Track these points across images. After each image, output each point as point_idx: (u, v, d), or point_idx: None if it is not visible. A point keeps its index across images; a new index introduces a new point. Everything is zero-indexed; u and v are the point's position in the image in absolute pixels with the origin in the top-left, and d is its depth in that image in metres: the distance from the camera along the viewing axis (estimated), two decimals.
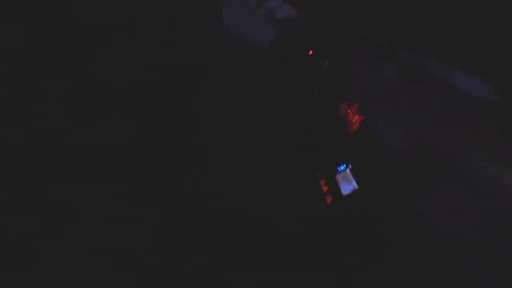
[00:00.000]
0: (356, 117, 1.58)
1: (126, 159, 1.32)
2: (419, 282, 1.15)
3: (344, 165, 1.45)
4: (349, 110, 1.63)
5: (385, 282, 1.19)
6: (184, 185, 1.31)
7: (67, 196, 1.21)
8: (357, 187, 1.31)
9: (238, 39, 2.00)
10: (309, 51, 1.47)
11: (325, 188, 1.39)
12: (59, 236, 1.14)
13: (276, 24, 1.68)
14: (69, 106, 1.37)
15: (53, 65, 1.40)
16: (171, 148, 1.38)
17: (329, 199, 1.34)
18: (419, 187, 1.31)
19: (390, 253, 1.20)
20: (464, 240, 1.19)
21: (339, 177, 1.42)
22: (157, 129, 1.43)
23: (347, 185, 1.35)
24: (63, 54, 1.42)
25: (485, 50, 1.46)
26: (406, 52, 1.63)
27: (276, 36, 1.62)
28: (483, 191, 1.29)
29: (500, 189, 1.29)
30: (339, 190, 1.35)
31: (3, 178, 1.19)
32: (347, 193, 1.32)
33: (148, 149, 1.37)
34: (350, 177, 1.37)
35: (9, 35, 1.35)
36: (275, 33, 1.63)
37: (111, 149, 1.32)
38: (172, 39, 1.55)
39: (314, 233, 1.30)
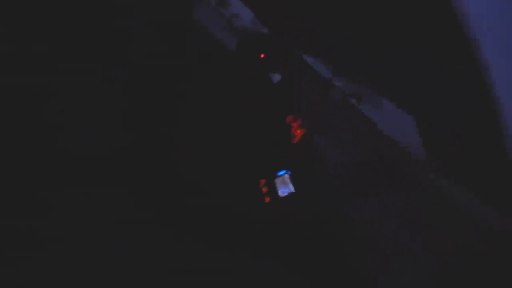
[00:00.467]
0: (299, 130, 1.74)
1: (126, 159, 1.30)
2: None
3: (284, 171, 1.57)
4: (293, 123, 1.79)
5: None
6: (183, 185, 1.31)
7: (66, 196, 1.18)
8: (293, 191, 1.43)
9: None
10: (261, 55, 1.57)
11: (264, 189, 1.48)
12: (59, 236, 1.12)
13: (234, 32, 1.78)
14: (68, 106, 1.31)
15: (51, 65, 1.31)
16: (170, 148, 1.37)
17: (267, 199, 1.42)
18: (350, 196, 1.48)
19: (318, 252, 1.33)
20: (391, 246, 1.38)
21: (277, 181, 1.53)
22: (156, 129, 1.41)
23: (284, 188, 1.46)
24: (62, 54, 1.33)
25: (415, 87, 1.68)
26: (349, 80, 1.86)
27: (236, 46, 1.71)
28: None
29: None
30: (277, 192, 1.46)
31: (2, 178, 1.13)
32: (283, 195, 1.43)
33: (148, 149, 1.35)
34: (288, 181, 1.49)
35: (8, 35, 1.22)
36: (233, 41, 1.71)
37: (111, 149, 1.29)
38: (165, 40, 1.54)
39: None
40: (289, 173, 1.54)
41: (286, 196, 1.43)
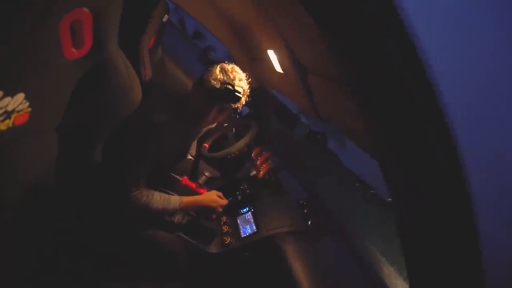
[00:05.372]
0: (265, 165, 1.70)
1: None
2: None
3: (247, 208, 1.49)
4: (259, 157, 1.75)
5: None
6: None
7: None
8: (255, 230, 1.34)
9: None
10: None
11: (225, 228, 1.38)
12: None
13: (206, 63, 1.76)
14: None
15: None
16: None
17: (227, 239, 1.32)
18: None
19: None
20: None
21: (240, 219, 1.44)
22: None
23: (246, 227, 1.38)
24: None
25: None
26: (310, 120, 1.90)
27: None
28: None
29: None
30: (239, 231, 1.37)
31: None
32: (245, 235, 1.34)
33: None
34: (251, 220, 1.41)
35: None
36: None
37: None
38: None
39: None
40: (253, 210, 1.47)
41: (248, 236, 1.34)
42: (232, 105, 1.16)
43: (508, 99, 0.50)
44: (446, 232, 0.52)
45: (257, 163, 1.72)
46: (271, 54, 1.37)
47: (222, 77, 1.11)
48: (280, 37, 1.21)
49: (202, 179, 1.49)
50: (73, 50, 0.72)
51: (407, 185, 0.55)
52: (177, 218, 1.30)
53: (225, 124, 1.81)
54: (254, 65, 1.70)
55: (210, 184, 1.56)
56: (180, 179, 1.40)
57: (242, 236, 1.34)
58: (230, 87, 1.10)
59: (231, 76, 1.13)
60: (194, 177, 1.53)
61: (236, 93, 1.11)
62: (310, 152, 1.83)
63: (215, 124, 1.46)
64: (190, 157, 1.68)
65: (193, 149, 1.75)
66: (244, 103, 1.20)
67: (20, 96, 0.65)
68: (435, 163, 0.49)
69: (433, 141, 0.48)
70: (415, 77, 0.46)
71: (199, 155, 1.58)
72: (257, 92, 1.95)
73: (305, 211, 1.47)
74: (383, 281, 1.33)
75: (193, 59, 2.87)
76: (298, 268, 1.17)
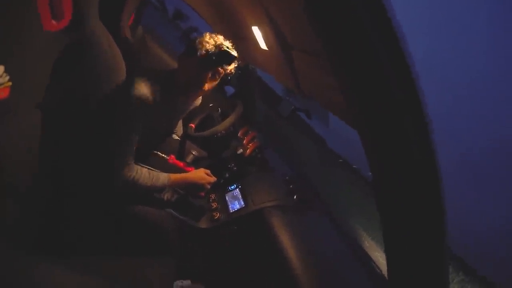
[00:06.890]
0: (251, 144, 1.73)
1: None
2: None
3: (235, 185, 1.53)
4: (246, 137, 1.77)
5: None
6: None
7: None
8: (243, 205, 1.39)
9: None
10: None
11: (214, 205, 1.42)
12: None
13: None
14: None
15: None
16: None
17: (216, 215, 1.36)
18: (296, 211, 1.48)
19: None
20: None
21: (228, 196, 1.48)
22: None
23: (235, 203, 1.42)
24: None
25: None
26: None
27: None
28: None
29: None
30: (227, 206, 1.41)
31: None
32: (234, 210, 1.38)
33: None
34: (239, 196, 1.45)
35: None
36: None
37: None
38: None
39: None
40: (240, 187, 1.51)
41: (237, 211, 1.38)
42: (226, 66, 1.18)
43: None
44: (418, 209, 0.56)
45: (244, 142, 1.75)
46: (256, 31, 1.36)
47: (213, 41, 1.13)
48: (264, 13, 1.20)
49: (189, 158, 1.51)
50: (53, 21, 0.70)
51: (385, 158, 0.58)
52: (166, 196, 1.32)
53: (210, 105, 1.82)
54: (239, 43, 1.68)
55: (197, 163, 1.58)
56: (167, 158, 1.41)
57: (231, 211, 1.38)
58: (224, 47, 1.13)
59: (220, 41, 1.15)
60: (181, 156, 1.54)
61: (230, 52, 1.14)
62: (295, 131, 1.87)
63: (200, 102, 1.47)
64: (177, 138, 1.69)
65: (179, 131, 1.75)
66: (233, 69, 1.24)
67: (0, 68, 0.63)
68: (410, 138, 0.52)
69: (408, 115, 0.51)
70: (391, 52, 0.49)
71: (186, 135, 1.59)
72: (243, 71, 1.95)
73: (291, 186, 1.52)
74: (365, 253, 1.42)
75: (175, 40, 2.79)
76: (285, 238, 1.23)
